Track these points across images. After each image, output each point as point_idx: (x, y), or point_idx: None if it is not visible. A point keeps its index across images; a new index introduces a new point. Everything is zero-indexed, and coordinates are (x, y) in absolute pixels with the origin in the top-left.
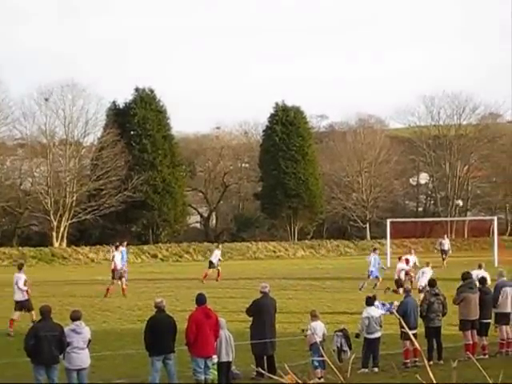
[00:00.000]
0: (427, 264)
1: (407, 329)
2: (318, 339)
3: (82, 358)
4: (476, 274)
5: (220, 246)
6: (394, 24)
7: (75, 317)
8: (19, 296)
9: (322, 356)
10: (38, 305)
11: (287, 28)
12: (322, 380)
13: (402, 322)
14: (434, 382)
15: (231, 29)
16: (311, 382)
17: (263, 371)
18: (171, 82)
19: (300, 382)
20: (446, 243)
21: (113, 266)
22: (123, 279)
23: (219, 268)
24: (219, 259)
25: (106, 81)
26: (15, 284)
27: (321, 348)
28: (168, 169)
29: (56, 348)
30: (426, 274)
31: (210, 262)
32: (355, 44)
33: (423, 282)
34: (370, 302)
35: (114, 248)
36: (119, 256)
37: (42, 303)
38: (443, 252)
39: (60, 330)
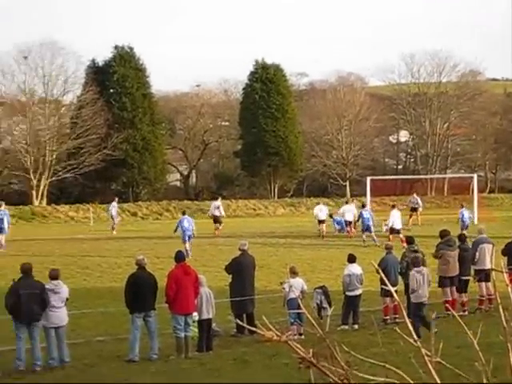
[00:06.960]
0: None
1: (389, 285)
2: (294, 295)
3: (60, 316)
4: (343, 208)
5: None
6: None
7: (53, 275)
8: None
9: (299, 312)
10: (18, 263)
11: None
12: (302, 337)
13: (384, 278)
14: (415, 336)
15: None
16: (288, 336)
17: (244, 325)
18: (151, 41)
19: (279, 335)
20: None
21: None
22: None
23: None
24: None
25: (86, 39)
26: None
27: (299, 303)
28: (148, 127)
29: (37, 306)
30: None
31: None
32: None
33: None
34: (351, 259)
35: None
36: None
37: (23, 262)
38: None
39: (41, 288)
